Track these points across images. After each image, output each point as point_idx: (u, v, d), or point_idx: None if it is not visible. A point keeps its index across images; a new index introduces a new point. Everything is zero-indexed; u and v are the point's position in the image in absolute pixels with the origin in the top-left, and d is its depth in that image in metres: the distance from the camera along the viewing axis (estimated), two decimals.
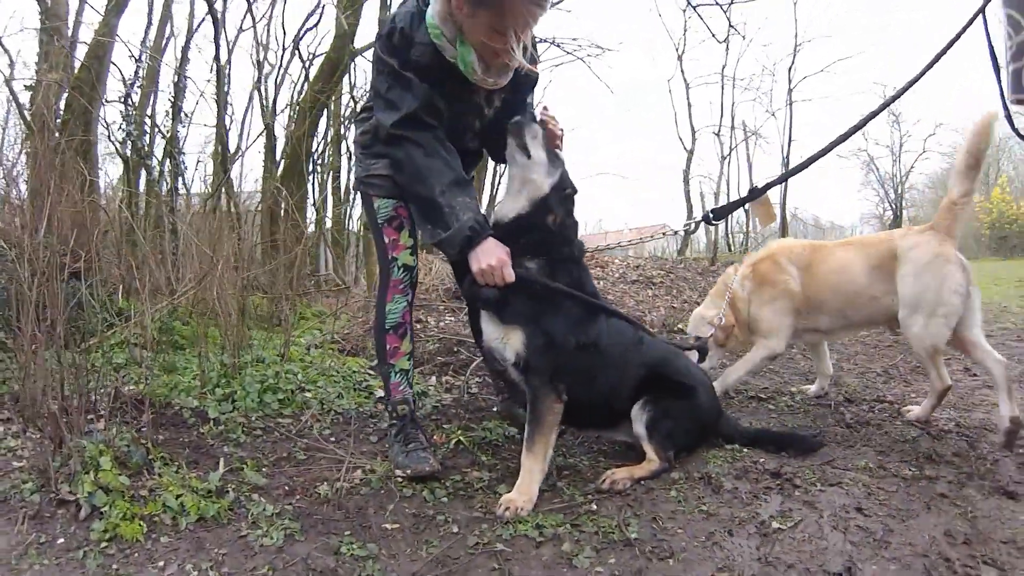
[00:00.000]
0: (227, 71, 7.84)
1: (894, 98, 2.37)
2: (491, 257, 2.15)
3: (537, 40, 2.61)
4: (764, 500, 2.11)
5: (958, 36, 2.16)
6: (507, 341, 2.23)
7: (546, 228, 2.28)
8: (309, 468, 2.35)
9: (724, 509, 2.05)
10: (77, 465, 1.98)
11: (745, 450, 2.52)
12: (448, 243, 2.20)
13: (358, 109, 2.91)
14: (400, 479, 2.24)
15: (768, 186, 2.76)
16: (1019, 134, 2.13)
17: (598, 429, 2.65)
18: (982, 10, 2.08)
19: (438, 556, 1.80)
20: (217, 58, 7.34)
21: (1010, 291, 10.10)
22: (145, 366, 3.05)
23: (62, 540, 1.78)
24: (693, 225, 2.73)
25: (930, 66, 2.23)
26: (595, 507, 2.08)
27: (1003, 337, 5.64)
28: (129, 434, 2.24)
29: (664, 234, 3.12)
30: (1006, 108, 2.01)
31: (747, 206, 2.72)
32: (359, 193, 2.59)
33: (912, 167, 35.42)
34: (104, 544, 1.77)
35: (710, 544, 1.84)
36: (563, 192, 2.32)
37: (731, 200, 2.86)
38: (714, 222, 2.70)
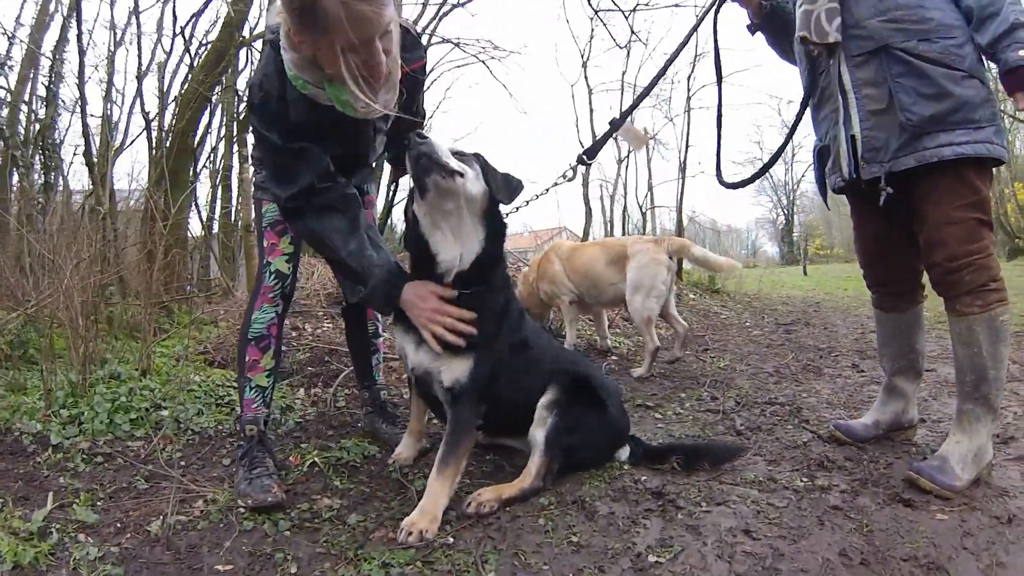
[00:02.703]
0: (113, 56, 7.11)
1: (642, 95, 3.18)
2: (427, 301, 2.01)
3: (436, 40, 2.43)
4: (643, 526, 1.86)
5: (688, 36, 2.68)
6: (447, 368, 2.03)
7: (500, 249, 2.11)
8: (149, 500, 2.09)
9: (597, 538, 1.78)
10: None
11: (626, 467, 2.29)
12: (371, 300, 2.11)
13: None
14: (242, 510, 2.00)
15: (625, 114, 2.99)
16: (723, 183, 2.69)
17: (510, 436, 2.41)
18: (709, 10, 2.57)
19: None
20: (79, 39, 6.65)
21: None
22: None
23: None
24: (571, 172, 2.68)
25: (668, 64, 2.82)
26: (452, 540, 1.80)
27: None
28: None
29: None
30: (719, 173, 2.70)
31: (619, 136, 2.92)
32: (254, 200, 2.45)
33: (803, 176, 38.02)
34: None
35: None
36: (498, 187, 2.02)
37: (598, 138, 2.95)
38: (588, 161, 2.75)
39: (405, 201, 2.23)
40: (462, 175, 1.90)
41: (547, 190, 2.72)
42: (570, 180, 2.60)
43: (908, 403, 2.55)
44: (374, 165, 2.62)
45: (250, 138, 6.89)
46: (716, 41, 2.66)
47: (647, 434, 2.72)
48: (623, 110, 2.98)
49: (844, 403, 3.27)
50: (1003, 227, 21.38)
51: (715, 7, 2.56)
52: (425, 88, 2.49)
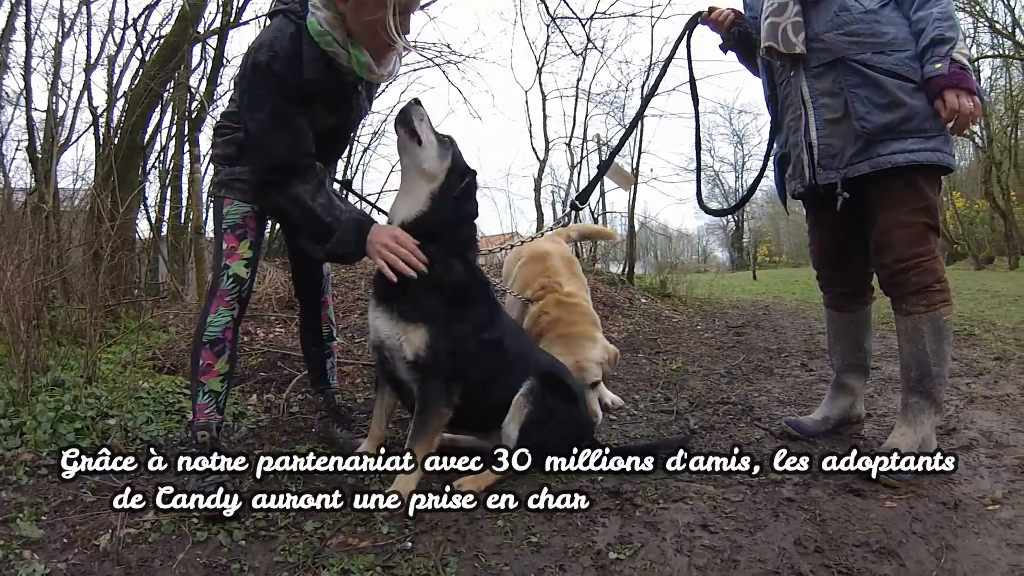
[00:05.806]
0: (60, 46, 6.78)
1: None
2: (386, 237, 2.08)
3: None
4: (602, 525, 1.87)
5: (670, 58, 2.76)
6: (405, 339, 2.08)
7: (448, 217, 2.18)
8: (97, 513, 2.00)
9: (557, 538, 1.79)
10: None
11: (583, 467, 2.29)
12: (340, 244, 2.11)
13: (215, 115, 2.70)
14: (195, 520, 1.94)
15: (611, 157, 3.10)
16: (706, 209, 2.95)
17: (479, 431, 2.43)
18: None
19: None
20: (28, 26, 6.34)
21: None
22: None
23: None
24: (565, 219, 2.76)
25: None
26: (411, 544, 1.78)
27: None
28: None
29: (523, 240, 3.05)
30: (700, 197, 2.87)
31: (607, 177, 3.02)
32: (213, 198, 2.41)
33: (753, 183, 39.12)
34: None
35: None
36: (460, 174, 2.21)
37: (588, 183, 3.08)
38: (580, 206, 2.86)
39: None
40: (420, 143, 2.13)
41: (542, 233, 2.98)
42: (565, 225, 2.73)
43: (856, 399, 2.62)
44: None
45: (203, 137, 6.63)
46: (691, 71, 2.75)
47: (602, 436, 2.73)
48: (611, 151, 3.08)
49: (794, 401, 3.33)
50: (941, 233, 22.23)
51: (688, 33, 2.64)
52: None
